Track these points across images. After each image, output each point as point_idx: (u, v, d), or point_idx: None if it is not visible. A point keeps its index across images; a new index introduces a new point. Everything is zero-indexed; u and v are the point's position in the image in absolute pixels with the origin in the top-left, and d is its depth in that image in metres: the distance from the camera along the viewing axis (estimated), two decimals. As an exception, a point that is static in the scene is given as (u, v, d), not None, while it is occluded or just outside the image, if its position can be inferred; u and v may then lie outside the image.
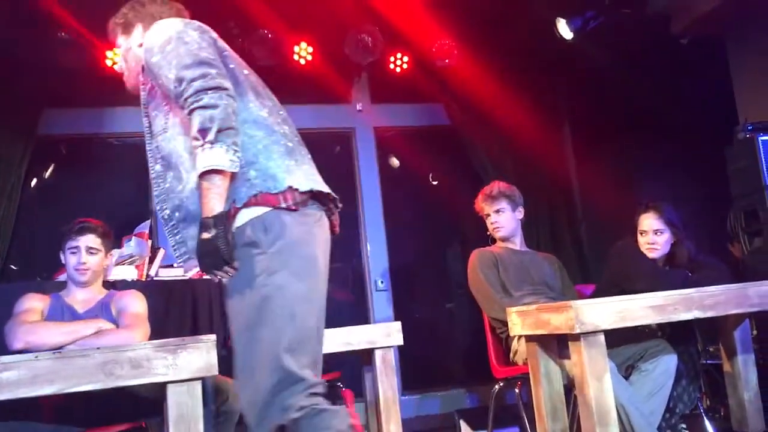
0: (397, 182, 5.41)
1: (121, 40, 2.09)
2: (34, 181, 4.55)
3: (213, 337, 1.99)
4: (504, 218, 3.56)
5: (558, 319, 2.42)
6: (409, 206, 5.41)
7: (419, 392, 4.94)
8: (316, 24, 4.62)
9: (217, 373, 1.98)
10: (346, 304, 5.24)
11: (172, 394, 1.94)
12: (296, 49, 4.67)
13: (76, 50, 4.13)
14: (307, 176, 1.84)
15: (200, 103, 1.68)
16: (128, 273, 3.35)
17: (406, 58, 4.97)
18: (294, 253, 1.74)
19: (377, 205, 5.17)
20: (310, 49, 4.70)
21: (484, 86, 4.91)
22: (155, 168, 1.92)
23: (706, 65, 4.47)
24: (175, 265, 3.44)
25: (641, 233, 3.27)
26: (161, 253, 3.58)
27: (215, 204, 1.67)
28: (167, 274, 3.50)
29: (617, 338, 2.76)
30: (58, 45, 4.11)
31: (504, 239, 3.59)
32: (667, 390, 2.99)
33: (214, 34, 1.91)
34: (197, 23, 1.90)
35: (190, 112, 1.69)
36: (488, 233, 3.64)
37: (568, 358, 2.47)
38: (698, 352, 3.31)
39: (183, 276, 3.42)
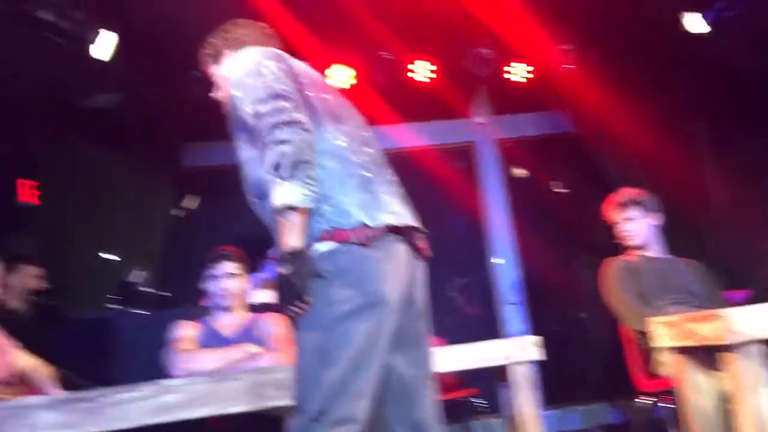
0: (522, 193, 5.33)
1: (213, 69, 2.15)
2: (179, 212, 4.86)
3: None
4: (635, 226, 3.42)
5: (705, 328, 2.28)
6: (536, 216, 5.31)
7: (559, 407, 4.82)
8: (433, 42, 4.66)
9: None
10: (474, 319, 5.20)
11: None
12: (414, 67, 4.75)
13: (208, 87, 4.38)
14: (382, 209, 1.79)
15: (274, 138, 1.66)
16: (270, 296, 3.47)
17: (524, 68, 4.92)
18: (360, 288, 1.70)
19: (503, 217, 5.11)
20: (433, 67, 4.76)
21: (607, 90, 4.76)
22: (251, 199, 1.94)
23: None
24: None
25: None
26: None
27: (291, 239, 1.65)
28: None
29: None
30: (192, 83, 4.38)
31: (638, 247, 3.45)
32: (835, 403, 2.75)
33: (293, 61, 1.90)
34: (275, 51, 1.89)
35: (265, 146, 1.69)
36: (617, 241, 3.50)
37: (720, 369, 2.33)
38: None
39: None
